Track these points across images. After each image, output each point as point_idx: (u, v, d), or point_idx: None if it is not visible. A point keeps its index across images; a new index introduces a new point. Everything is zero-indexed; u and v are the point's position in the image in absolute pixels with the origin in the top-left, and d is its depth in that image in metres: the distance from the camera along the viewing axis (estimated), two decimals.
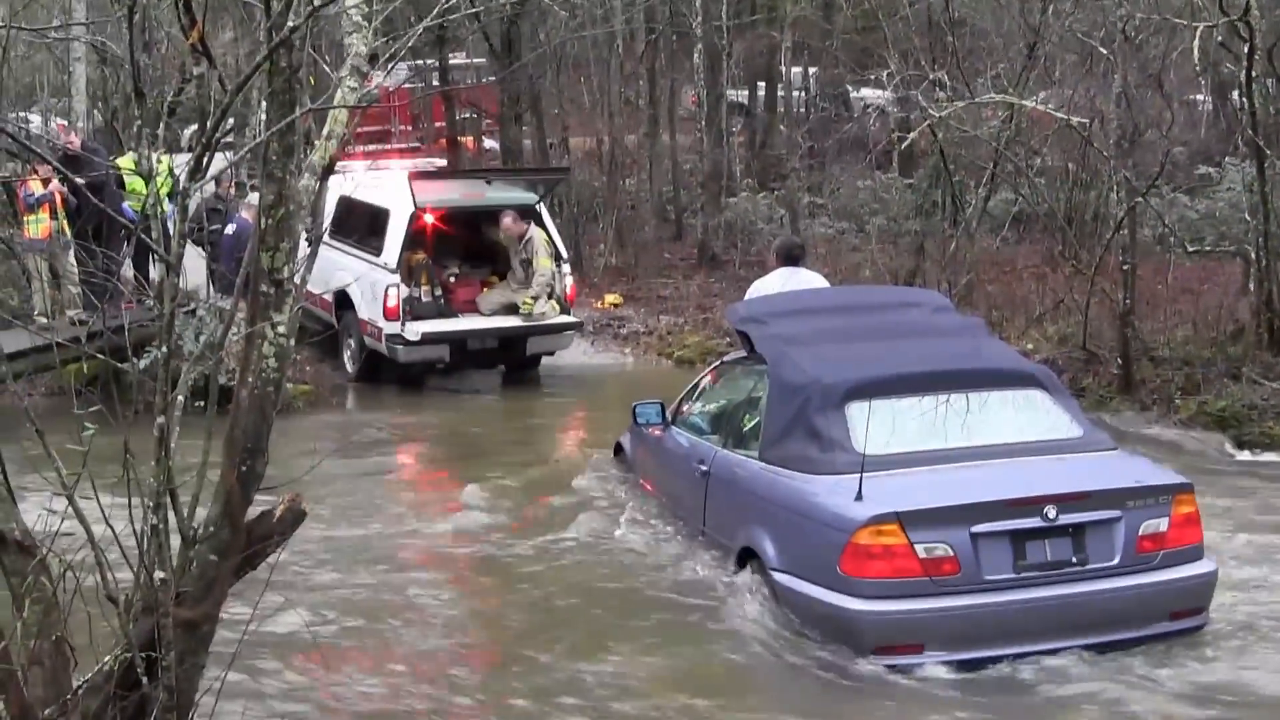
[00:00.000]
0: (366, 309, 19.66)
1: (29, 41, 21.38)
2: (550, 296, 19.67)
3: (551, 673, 9.70)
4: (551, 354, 20.43)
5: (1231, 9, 16.05)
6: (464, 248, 21.18)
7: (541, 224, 20.07)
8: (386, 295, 19.10)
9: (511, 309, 19.91)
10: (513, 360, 20.25)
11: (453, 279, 20.63)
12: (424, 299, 19.81)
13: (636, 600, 10.95)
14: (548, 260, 19.62)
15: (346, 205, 20.31)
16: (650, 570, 11.51)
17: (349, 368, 20.40)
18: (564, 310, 19.96)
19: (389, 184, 20.19)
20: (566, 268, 20.29)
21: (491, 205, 20.28)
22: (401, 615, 10.82)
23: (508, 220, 19.75)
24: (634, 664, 9.83)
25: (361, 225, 20.58)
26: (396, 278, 19.17)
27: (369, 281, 19.53)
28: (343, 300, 20.24)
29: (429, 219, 19.94)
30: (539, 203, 20.40)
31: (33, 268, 19.06)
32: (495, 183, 21.14)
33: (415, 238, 19.62)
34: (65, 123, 23.10)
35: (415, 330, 19.13)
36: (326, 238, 20.01)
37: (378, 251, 19.58)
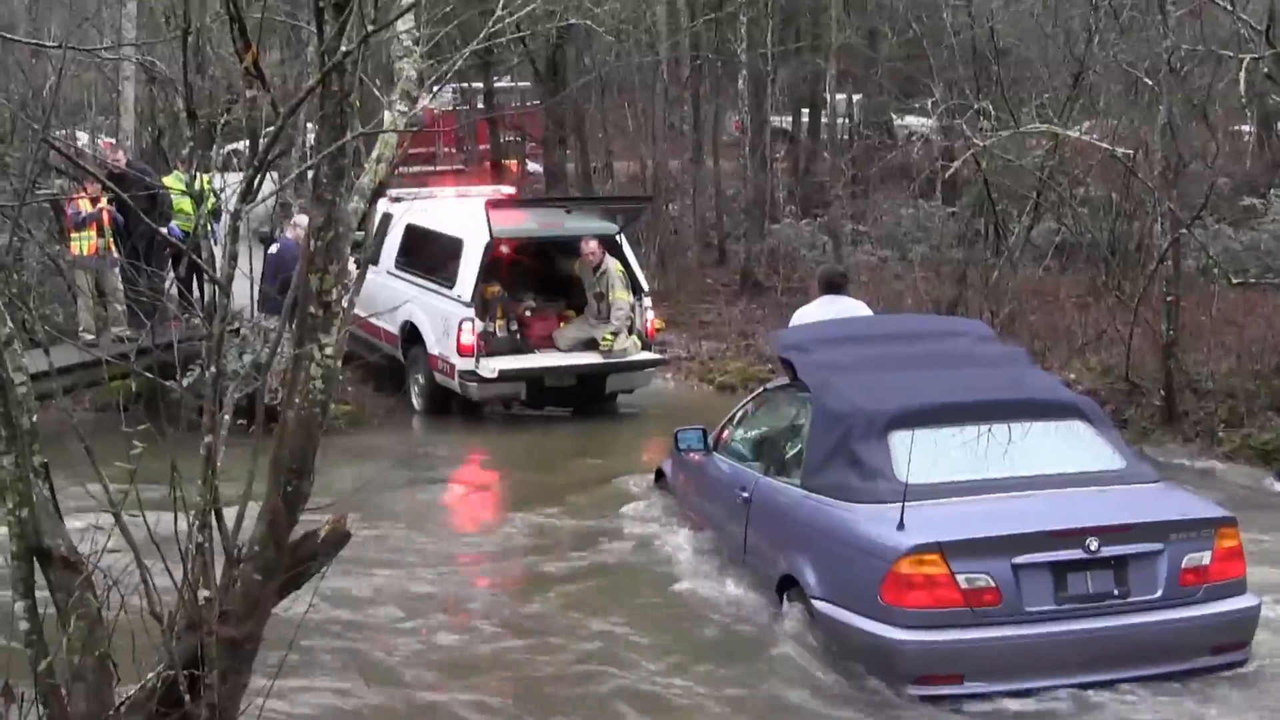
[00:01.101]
0: (437, 344, 18.79)
1: (78, 60, 21.53)
2: (630, 332, 18.90)
3: (587, 695, 9.71)
4: (630, 392, 19.64)
5: (1278, 40, 16.00)
6: (539, 280, 20.36)
7: (621, 255, 19.24)
8: (460, 329, 18.24)
9: (590, 344, 19.16)
10: (590, 398, 19.21)
11: (528, 313, 19.72)
12: (499, 334, 18.98)
13: (676, 626, 10.95)
14: (624, 293, 18.83)
15: (415, 234, 19.78)
16: (690, 597, 11.49)
17: (416, 404, 19.58)
18: (645, 346, 19.16)
19: (462, 212, 19.50)
20: (648, 301, 19.34)
21: (570, 235, 19.38)
22: (442, 637, 10.85)
23: (591, 245, 18.96)
24: (672, 690, 9.82)
25: (432, 255, 19.71)
26: (471, 311, 18.28)
27: (440, 314, 18.73)
28: (410, 334, 19.46)
29: (505, 249, 19.08)
30: (619, 233, 19.51)
31: (80, 284, 19.16)
32: (574, 212, 20.24)
33: (490, 269, 18.73)
34: (113, 141, 23.24)
35: (491, 367, 18.29)
36: (393, 267, 19.74)
37: (450, 283, 18.69)
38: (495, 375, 18.24)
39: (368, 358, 19.97)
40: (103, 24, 23.87)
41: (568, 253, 19.69)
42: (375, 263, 20.30)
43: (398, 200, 20.68)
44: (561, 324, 19.76)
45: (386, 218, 19.86)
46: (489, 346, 18.54)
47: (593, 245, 18.97)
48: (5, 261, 6.94)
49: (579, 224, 19.50)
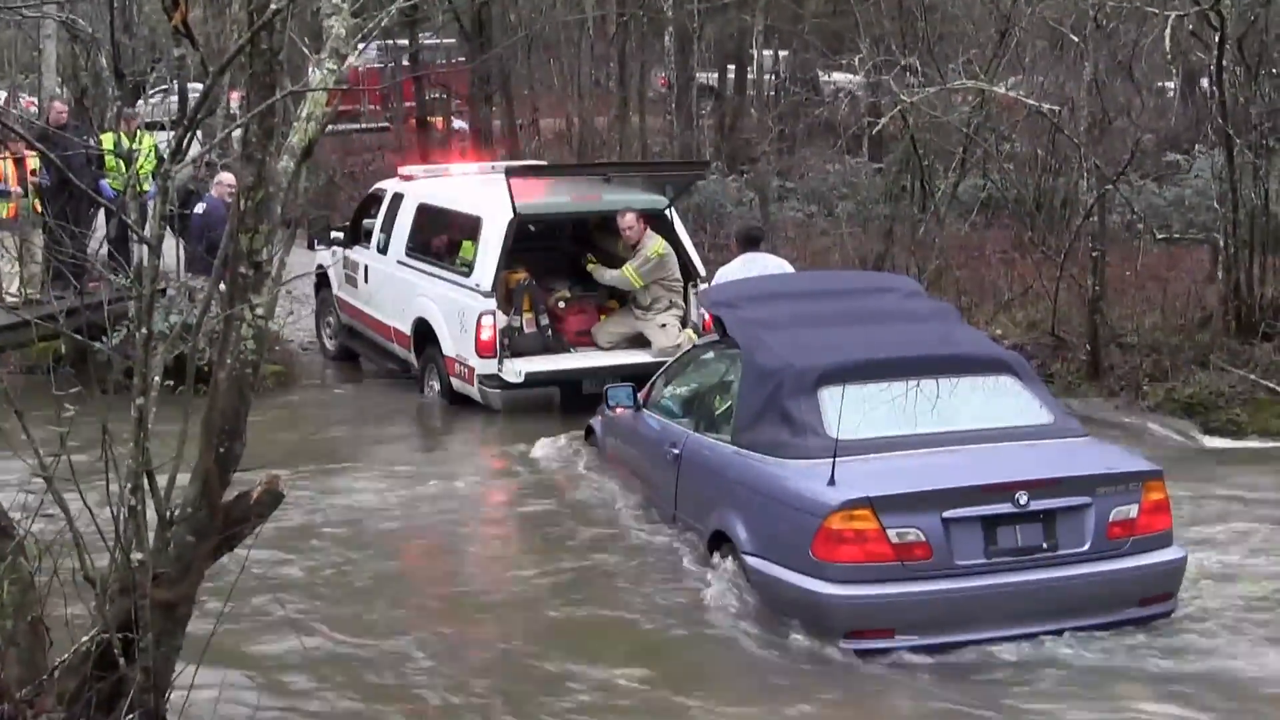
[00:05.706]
0: (454, 343, 16.25)
1: None
2: (684, 325, 16.48)
3: (518, 661, 9.69)
4: None
5: None
6: (575, 265, 17.53)
7: (672, 233, 16.78)
8: (480, 325, 15.65)
9: (636, 341, 16.56)
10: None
11: (562, 304, 16.96)
12: (526, 329, 16.31)
13: (605, 584, 10.95)
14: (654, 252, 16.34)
15: (428, 215, 17.68)
16: (620, 553, 11.50)
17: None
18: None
19: (481, 186, 17.31)
20: (704, 287, 16.06)
21: (610, 210, 16.74)
22: (374, 600, 10.81)
23: (629, 218, 16.39)
24: (601, 647, 9.82)
25: (446, 239, 17.44)
26: (492, 303, 15.71)
27: (457, 308, 16.18)
28: (424, 332, 16.98)
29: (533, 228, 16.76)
30: (669, 207, 16.98)
31: (3, 246, 18.81)
32: (615, 181, 17.33)
33: (514, 253, 16.16)
34: (34, 100, 23.00)
35: (516, 369, 15.72)
36: (403, 255, 17.73)
37: (467, 271, 16.17)
38: (521, 379, 15.77)
39: (380, 364, 18.51)
40: None
41: (608, 232, 17.17)
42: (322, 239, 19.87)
43: (409, 179, 19.07)
44: (602, 317, 17.13)
45: (397, 198, 18.50)
46: (514, 345, 16.02)
47: (629, 219, 16.42)
48: None
49: (621, 196, 16.83)
